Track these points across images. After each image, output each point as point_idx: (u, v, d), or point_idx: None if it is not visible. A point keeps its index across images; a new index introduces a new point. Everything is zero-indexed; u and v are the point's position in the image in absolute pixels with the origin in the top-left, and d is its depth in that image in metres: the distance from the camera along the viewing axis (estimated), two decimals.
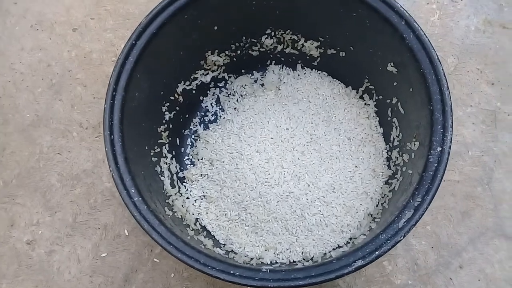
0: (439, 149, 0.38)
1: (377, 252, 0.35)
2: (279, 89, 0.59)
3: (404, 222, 0.36)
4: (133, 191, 0.40)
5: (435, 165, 0.37)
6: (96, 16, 0.66)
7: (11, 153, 0.62)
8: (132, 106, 0.44)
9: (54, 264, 0.57)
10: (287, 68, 0.59)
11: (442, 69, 0.39)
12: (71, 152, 0.61)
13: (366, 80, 0.53)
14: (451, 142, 0.37)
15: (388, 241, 0.36)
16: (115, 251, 0.57)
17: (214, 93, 0.60)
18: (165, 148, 0.54)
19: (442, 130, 0.38)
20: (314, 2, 0.47)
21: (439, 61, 0.40)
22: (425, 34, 0.40)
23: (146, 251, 0.57)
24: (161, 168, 0.52)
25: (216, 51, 0.55)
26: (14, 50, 0.66)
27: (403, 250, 0.54)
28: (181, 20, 0.46)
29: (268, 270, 0.37)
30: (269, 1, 0.49)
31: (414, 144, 0.43)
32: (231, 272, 0.37)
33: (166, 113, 0.54)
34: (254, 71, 0.60)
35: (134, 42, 0.43)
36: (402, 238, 0.36)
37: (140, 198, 0.40)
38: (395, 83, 0.47)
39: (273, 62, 0.59)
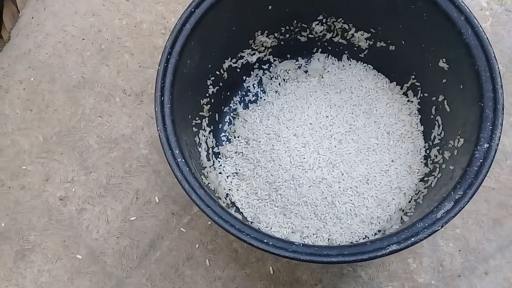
0: (486, 145, 0.37)
1: (412, 239, 0.36)
2: (323, 77, 0.59)
3: (443, 213, 0.36)
4: (177, 152, 0.41)
5: (481, 160, 0.37)
6: None
7: (54, 111, 0.63)
8: (182, 72, 0.45)
9: (83, 222, 0.59)
10: (333, 57, 0.59)
11: (498, 67, 0.39)
12: (112, 116, 0.62)
13: (413, 77, 0.53)
14: (499, 140, 0.37)
15: (425, 230, 0.36)
16: (143, 216, 0.58)
17: (257, 74, 0.60)
18: (205, 121, 0.55)
19: (491, 128, 0.38)
20: None
21: (496, 59, 0.39)
22: (483, 31, 0.40)
23: (174, 220, 0.58)
24: (199, 139, 0.53)
25: (266, 32, 0.56)
26: (68, 12, 0.67)
27: (430, 250, 0.54)
28: None
29: (301, 244, 0.38)
30: None
31: (458, 141, 0.43)
32: (265, 241, 0.37)
33: (210, 87, 0.55)
34: (299, 57, 0.60)
35: (193, 9, 0.44)
36: (439, 228, 0.36)
37: (183, 160, 0.41)
38: (444, 80, 0.47)
39: (320, 50, 0.60)
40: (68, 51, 0.66)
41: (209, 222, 0.58)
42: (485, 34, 0.40)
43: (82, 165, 0.61)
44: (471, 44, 0.41)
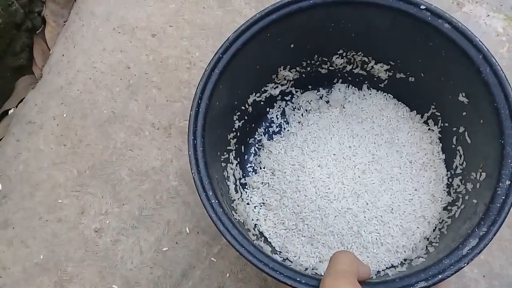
0: (508, 182, 0.39)
1: (440, 276, 0.37)
2: (344, 108, 0.61)
3: (468, 250, 0.37)
4: (210, 193, 0.43)
5: (503, 197, 0.38)
6: (175, 24, 0.70)
7: (87, 145, 0.66)
8: (212, 114, 0.47)
9: (118, 253, 0.61)
10: (353, 87, 0.61)
11: None
12: (142, 150, 0.65)
13: (433, 107, 0.55)
14: None
15: (452, 267, 0.37)
16: (175, 246, 0.61)
17: (280, 105, 0.62)
18: (232, 154, 0.57)
19: None
20: (392, 29, 0.49)
21: None
22: (501, 69, 0.42)
23: (205, 250, 0.60)
24: (227, 173, 0.55)
25: (288, 66, 0.58)
26: (96, 49, 0.71)
27: (455, 277, 0.55)
28: (264, 38, 0.49)
29: None
30: (347, 24, 0.51)
31: (481, 175, 0.44)
32: (297, 279, 0.39)
33: (236, 121, 0.57)
34: (320, 88, 0.62)
35: (221, 55, 0.47)
36: (465, 265, 0.37)
37: (217, 201, 0.43)
38: (464, 113, 0.48)
39: (340, 80, 0.61)
40: (98, 87, 0.69)
41: None
42: (503, 72, 0.42)
43: (115, 198, 0.64)
44: (489, 82, 0.42)
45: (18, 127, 0.67)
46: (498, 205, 0.38)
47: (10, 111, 0.71)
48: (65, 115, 0.68)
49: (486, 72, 0.42)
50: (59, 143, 0.67)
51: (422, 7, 0.45)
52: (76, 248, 0.62)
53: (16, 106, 0.70)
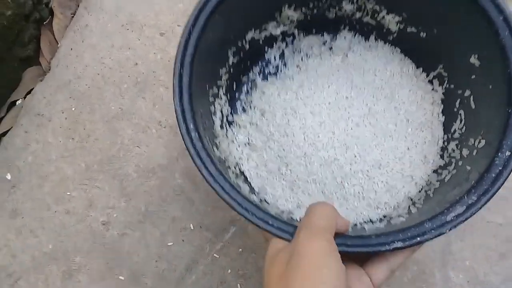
0: (508, 153, 0.37)
1: (418, 238, 0.36)
2: (347, 56, 0.57)
3: (453, 216, 0.36)
4: (191, 127, 0.41)
5: (500, 168, 0.37)
6: (183, 23, 0.66)
7: (95, 140, 0.66)
8: (204, 45, 0.44)
9: (125, 246, 0.62)
10: (360, 36, 0.58)
11: None
12: (148, 147, 0.65)
13: (441, 66, 0.52)
14: None
15: (433, 231, 0.36)
16: (180, 242, 0.62)
17: (280, 46, 0.59)
18: (222, 90, 0.54)
19: None
20: None
21: None
22: None
23: (208, 246, 0.62)
24: (214, 108, 0.53)
25: (294, 5, 0.53)
26: (105, 45, 0.69)
27: (441, 281, 0.58)
28: None
29: None
30: None
31: (479, 141, 0.42)
32: (270, 222, 0.38)
33: (230, 57, 0.53)
34: (324, 33, 0.58)
35: None
36: (447, 231, 0.36)
37: (197, 135, 0.41)
38: (473, 76, 0.45)
39: (347, 28, 0.58)
40: (106, 83, 0.67)
41: (240, 249, 0.61)
42: None
43: (122, 193, 0.64)
44: (506, 46, 0.39)
45: (27, 119, 0.67)
46: (493, 175, 0.37)
47: (18, 102, 0.70)
48: (73, 109, 0.67)
49: (505, 35, 0.39)
50: (67, 136, 0.66)
51: None
52: (84, 240, 0.63)
53: (24, 98, 0.69)
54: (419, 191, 0.51)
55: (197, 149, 0.40)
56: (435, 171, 0.51)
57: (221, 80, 0.53)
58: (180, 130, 0.40)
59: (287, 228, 0.37)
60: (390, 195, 0.52)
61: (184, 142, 0.40)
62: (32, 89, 0.69)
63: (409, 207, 0.50)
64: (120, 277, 0.61)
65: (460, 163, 0.46)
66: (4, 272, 0.62)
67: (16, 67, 0.71)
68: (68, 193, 0.64)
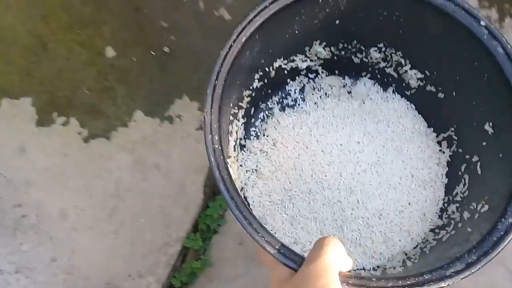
0: (510, 220, 0.38)
1: (417, 287, 0.36)
2: (364, 103, 0.59)
3: (452, 272, 0.36)
4: (216, 138, 0.42)
5: (502, 233, 0.38)
6: None
7: None
8: (239, 62, 0.46)
9: None
10: (379, 86, 0.60)
11: None
12: None
13: (452, 129, 0.53)
14: None
15: (432, 283, 0.36)
16: None
17: (302, 81, 0.61)
18: (241, 112, 0.55)
19: None
20: (444, 37, 0.47)
21: None
22: None
23: None
24: (232, 128, 0.54)
25: (324, 43, 0.56)
26: None
27: None
28: (315, 2, 0.47)
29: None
30: (400, 18, 0.49)
31: (483, 206, 0.43)
32: (277, 247, 0.38)
33: (256, 81, 0.55)
34: (346, 76, 0.61)
35: (268, 4, 0.45)
36: (445, 285, 0.36)
37: (220, 147, 0.41)
38: (484, 143, 0.47)
39: (368, 75, 0.60)
40: None
41: None
42: None
43: None
44: None
45: None
46: (495, 239, 0.37)
47: None
48: None
49: None
50: None
51: (482, 23, 0.44)
52: None
53: None
54: (414, 247, 0.52)
55: (217, 161, 0.41)
56: (432, 230, 0.52)
57: (243, 102, 0.55)
58: (205, 138, 0.41)
59: (295, 258, 0.37)
60: (386, 246, 0.52)
61: (207, 151, 0.41)
62: None
63: (403, 260, 0.50)
64: None
65: (459, 224, 0.47)
66: None
67: None
68: None
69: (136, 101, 0.65)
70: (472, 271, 0.37)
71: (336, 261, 0.35)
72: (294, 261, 0.37)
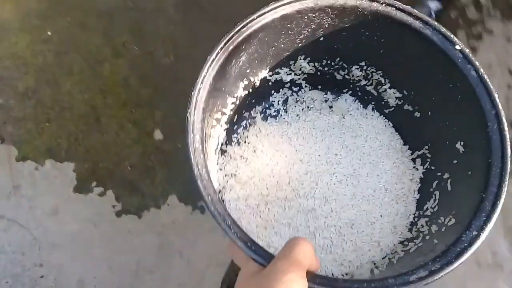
0: (475, 233, 0.40)
1: None
2: (344, 118, 0.61)
3: (415, 278, 0.38)
4: (197, 137, 0.43)
5: (465, 244, 0.39)
6: None
7: None
8: (225, 69, 0.47)
9: None
10: (359, 103, 0.62)
11: (510, 168, 0.42)
12: None
13: (426, 147, 0.56)
14: (487, 232, 0.40)
15: (395, 287, 0.38)
16: None
17: (285, 93, 0.63)
18: (224, 118, 0.57)
19: (485, 219, 0.40)
20: (422, 63, 0.50)
21: (510, 161, 0.42)
22: (508, 132, 0.43)
23: None
24: (214, 132, 0.55)
25: (309, 58, 0.58)
26: None
27: None
28: (304, 17, 0.49)
29: None
30: (381, 39, 0.52)
31: (450, 220, 0.45)
32: (249, 244, 0.39)
33: (241, 89, 0.57)
34: (328, 92, 0.63)
35: (255, 17, 0.47)
36: None
37: (200, 147, 0.43)
38: (455, 161, 0.49)
39: (350, 92, 0.62)
40: None
41: None
42: (508, 135, 0.43)
43: None
44: (492, 139, 0.43)
45: None
46: (459, 249, 0.39)
47: None
48: None
49: (493, 129, 0.43)
50: None
51: (457, 47, 0.46)
52: None
53: None
54: (383, 258, 0.53)
55: (197, 159, 0.42)
56: (401, 242, 0.54)
57: (227, 108, 0.56)
58: (186, 137, 0.42)
59: (265, 255, 0.39)
60: (356, 255, 0.54)
61: (187, 150, 0.42)
62: None
63: (371, 269, 0.52)
64: None
65: (427, 237, 0.49)
66: None
67: None
68: None
69: (173, 186, 0.68)
70: (435, 278, 0.38)
71: (305, 259, 0.36)
72: (263, 257, 0.38)
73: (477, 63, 0.46)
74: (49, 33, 0.71)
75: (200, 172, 0.42)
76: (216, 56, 0.45)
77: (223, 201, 0.56)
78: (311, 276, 0.38)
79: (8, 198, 0.67)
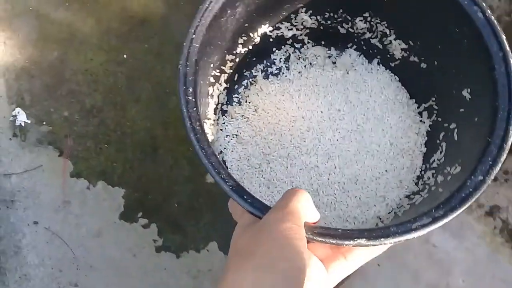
0: (480, 177, 0.38)
1: (382, 239, 0.36)
2: (348, 73, 0.59)
3: (418, 225, 0.37)
4: (190, 90, 0.42)
5: (470, 189, 0.38)
6: None
7: None
8: (219, 20, 0.46)
9: None
10: (364, 58, 0.60)
11: None
12: None
13: (433, 99, 0.54)
14: (493, 176, 0.38)
15: (397, 234, 0.36)
16: None
17: (287, 50, 0.61)
18: (224, 76, 0.56)
19: (491, 163, 0.38)
20: (427, 8, 0.47)
21: None
22: None
23: None
24: (213, 91, 0.54)
25: (310, 11, 0.56)
26: None
27: None
28: None
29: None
30: None
31: (455, 168, 0.44)
32: (245, 197, 0.38)
33: (240, 46, 0.55)
34: (332, 47, 0.61)
35: None
36: (410, 238, 0.36)
37: (194, 99, 0.42)
38: (462, 110, 0.47)
39: (354, 46, 0.60)
40: None
41: None
42: None
43: None
44: (499, 81, 0.41)
45: None
46: (463, 195, 0.38)
47: None
48: None
49: (500, 71, 0.41)
50: None
51: None
52: None
53: None
54: (389, 212, 0.52)
55: (190, 111, 0.41)
56: (407, 196, 0.52)
57: (225, 66, 0.55)
58: (178, 89, 0.41)
59: (261, 206, 0.38)
60: (361, 211, 0.53)
61: (180, 101, 0.41)
62: None
63: (377, 224, 0.51)
64: None
65: (433, 188, 0.47)
66: None
67: None
68: None
69: (216, 232, 0.66)
70: (438, 225, 0.37)
71: (303, 209, 0.35)
72: (260, 209, 0.37)
73: (483, 5, 0.43)
74: (125, 56, 0.70)
75: (193, 125, 0.41)
76: (209, 5, 0.44)
77: (224, 162, 0.55)
78: (310, 227, 0.36)
79: (56, 212, 0.67)
